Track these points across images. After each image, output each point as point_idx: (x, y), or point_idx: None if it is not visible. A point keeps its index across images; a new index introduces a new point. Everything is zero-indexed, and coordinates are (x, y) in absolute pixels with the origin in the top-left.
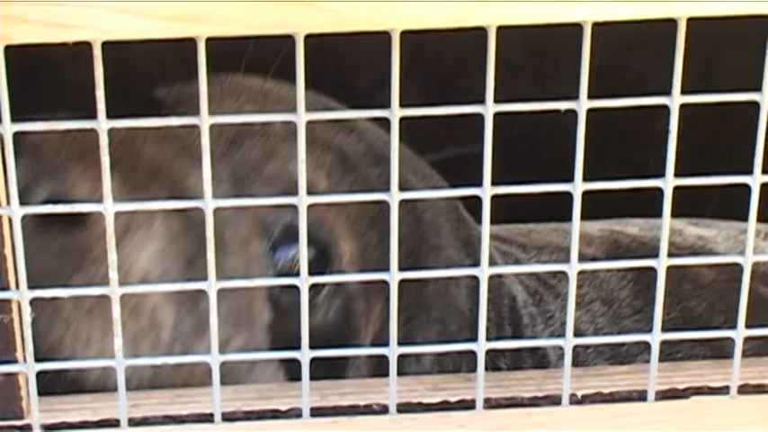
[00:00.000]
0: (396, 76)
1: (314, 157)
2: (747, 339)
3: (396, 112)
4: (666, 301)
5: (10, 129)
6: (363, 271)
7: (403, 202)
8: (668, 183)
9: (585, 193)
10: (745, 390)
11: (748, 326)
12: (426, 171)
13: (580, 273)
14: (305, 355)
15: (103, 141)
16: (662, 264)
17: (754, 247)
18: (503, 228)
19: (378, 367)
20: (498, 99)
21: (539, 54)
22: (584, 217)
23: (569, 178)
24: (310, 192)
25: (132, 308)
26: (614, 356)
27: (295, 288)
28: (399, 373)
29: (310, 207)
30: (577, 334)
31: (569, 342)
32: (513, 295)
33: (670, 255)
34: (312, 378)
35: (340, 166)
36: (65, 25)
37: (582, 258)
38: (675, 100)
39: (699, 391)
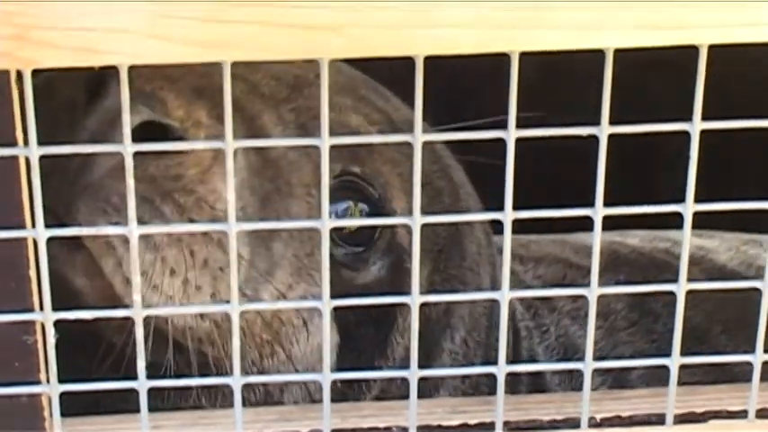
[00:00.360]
0: (419, 100)
1: (365, 115)
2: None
3: (419, 137)
4: (663, 312)
5: (36, 152)
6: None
7: (441, 175)
8: (688, 208)
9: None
10: (763, 414)
11: (747, 336)
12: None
13: (577, 285)
14: (326, 378)
15: (128, 164)
16: (682, 288)
17: (756, 256)
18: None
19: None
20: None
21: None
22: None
23: (583, 189)
24: (368, 145)
25: (218, 240)
26: (609, 371)
27: (353, 245)
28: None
29: (368, 158)
30: (573, 348)
31: (589, 366)
32: (512, 307)
33: (669, 265)
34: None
35: (389, 126)
36: (94, 50)
37: (579, 270)
38: (696, 126)
39: (717, 415)
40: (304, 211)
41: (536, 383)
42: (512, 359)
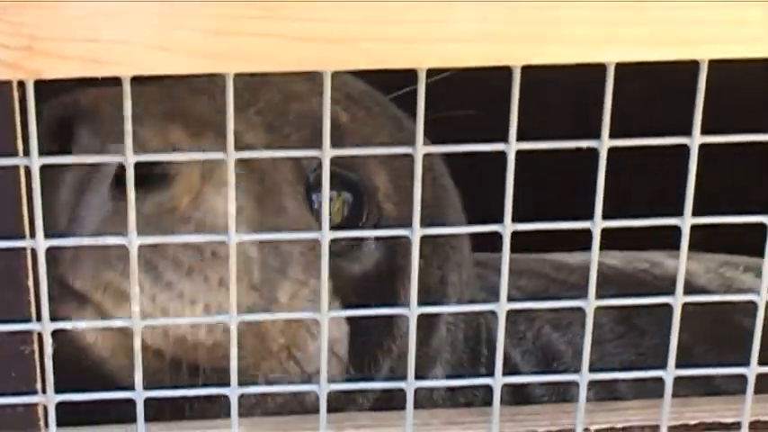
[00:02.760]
0: (421, 112)
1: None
2: None
3: (419, 149)
4: (649, 329)
5: (37, 162)
6: (397, 203)
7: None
8: (686, 222)
9: None
10: (756, 426)
11: (731, 358)
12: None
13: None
14: (323, 389)
15: (130, 175)
16: (678, 302)
17: (734, 279)
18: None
19: None
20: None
21: None
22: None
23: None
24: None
25: (223, 254)
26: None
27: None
28: None
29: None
30: (554, 353)
31: (584, 377)
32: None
33: (651, 284)
34: None
35: (354, 105)
36: (99, 61)
37: (562, 284)
38: (695, 140)
39: (710, 426)
40: (295, 205)
41: (519, 391)
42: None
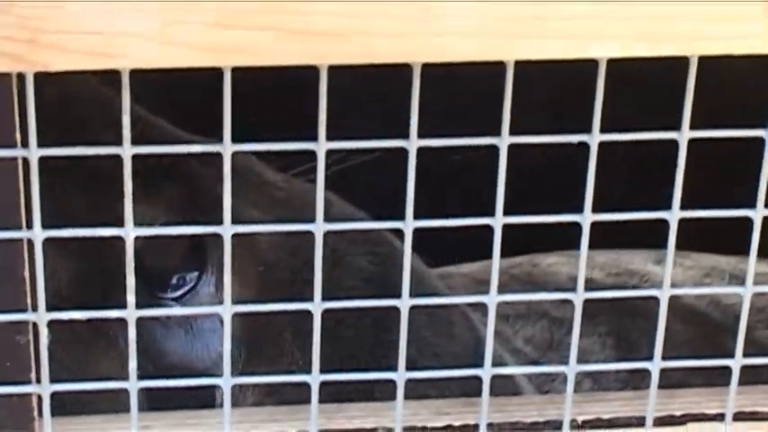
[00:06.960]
0: (415, 107)
1: None
2: None
3: (413, 142)
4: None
5: (35, 153)
6: None
7: None
8: (674, 215)
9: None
10: (740, 417)
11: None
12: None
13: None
14: (315, 379)
15: (127, 169)
16: (665, 293)
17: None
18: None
19: None
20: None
21: None
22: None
23: None
24: None
25: None
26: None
27: None
28: None
29: None
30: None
31: (572, 368)
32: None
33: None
34: None
35: None
36: (102, 54)
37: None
38: (685, 135)
39: (695, 417)
40: None
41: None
42: None
